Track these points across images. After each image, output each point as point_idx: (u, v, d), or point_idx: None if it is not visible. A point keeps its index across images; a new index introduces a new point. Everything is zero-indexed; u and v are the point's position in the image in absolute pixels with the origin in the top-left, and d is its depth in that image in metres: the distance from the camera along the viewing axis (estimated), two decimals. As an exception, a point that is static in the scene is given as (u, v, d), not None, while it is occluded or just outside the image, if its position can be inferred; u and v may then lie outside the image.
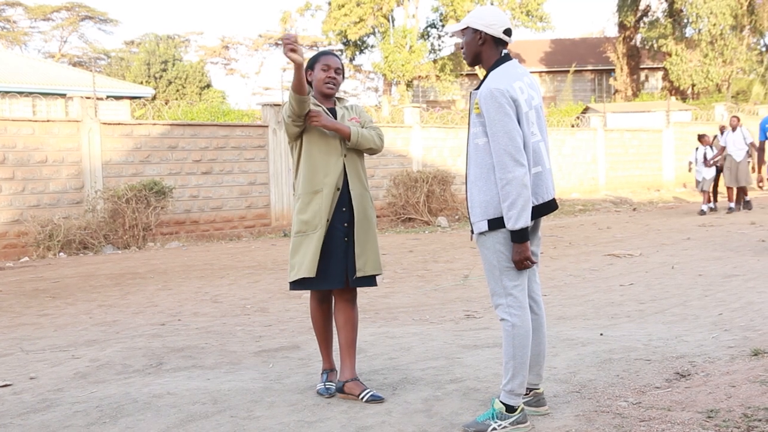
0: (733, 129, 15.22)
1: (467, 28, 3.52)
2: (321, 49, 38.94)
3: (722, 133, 15.57)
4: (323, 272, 3.92)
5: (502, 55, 3.51)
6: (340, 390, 4.00)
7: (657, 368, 4.34)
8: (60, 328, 6.41)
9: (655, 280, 7.76)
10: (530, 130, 3.41)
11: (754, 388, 3.73)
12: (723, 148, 15.25)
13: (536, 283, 3.65)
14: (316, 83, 4.07)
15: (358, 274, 3.96)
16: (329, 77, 4.04)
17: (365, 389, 3.94)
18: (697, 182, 15.72)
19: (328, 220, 3.94)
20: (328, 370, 4.20)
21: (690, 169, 16.55)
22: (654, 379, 4.12)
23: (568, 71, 41.08)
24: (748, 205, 15.59)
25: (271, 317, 6.62)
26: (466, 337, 5.39)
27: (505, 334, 3.44)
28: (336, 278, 3.95)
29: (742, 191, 15.56)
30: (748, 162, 15.04)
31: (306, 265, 3.90)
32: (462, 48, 3.60)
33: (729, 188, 15.43)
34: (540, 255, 3.69)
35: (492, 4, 34.01)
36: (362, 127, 4.09)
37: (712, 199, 15.64)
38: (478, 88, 3.44)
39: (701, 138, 15.64)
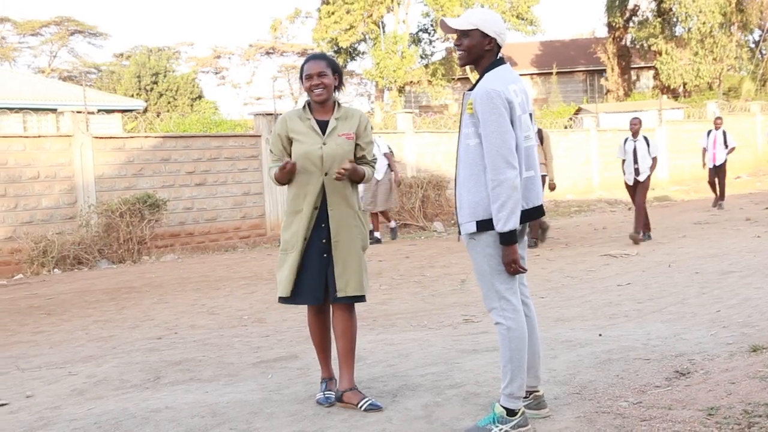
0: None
1: (476, 30, 3.43)
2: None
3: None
4: (298, 288, 3.93)
5: (498, 58, 3.50)
6: (339, 399, 3.98)
7: (656, 367, 4.33)
8: (56, 345, 6.37)
9: (652, 279, 7.76)
10: (523, 134, 3.40)
11: (753, 384, 3.72)
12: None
13: (524, 285, 3.65)
14: (307, 94, 4.00)
15: (339, 295, 3.92)
16: (313, 85, 3.93)
17: (363, 398, 3.91)
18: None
19: (305, 239, 3.92)
20: (327, 379, 4.17)
21: None
22: (654, 378, 4.11)
23: (558, 73, 41.20)
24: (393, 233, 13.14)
25: (268, 328, 6.59)
26: (464, 342, 5.37)
27: (501, 337, 3.43)
28: (310, 294, 3.94)
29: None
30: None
31: (283, 284, 3.96)
32: (459, 46, 3.49)
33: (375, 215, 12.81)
34: (527, 258, 3.67)
35: (483, 7, 34.12)
36: (357, 141, 4.02)
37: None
38: (472, 89, 3.42)
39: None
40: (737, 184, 22.09)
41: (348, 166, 3.85)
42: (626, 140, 11.01)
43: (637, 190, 10.86)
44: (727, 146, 15.14)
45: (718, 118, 15.64)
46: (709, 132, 15.41)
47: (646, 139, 10.92)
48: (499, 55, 3.51)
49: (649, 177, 10.85)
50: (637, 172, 10.78)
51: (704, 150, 15.40)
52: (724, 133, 15.23)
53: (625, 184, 11.11)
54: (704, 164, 15.53)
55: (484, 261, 3.41)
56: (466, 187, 3.42)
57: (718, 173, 15.31)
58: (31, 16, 44.71)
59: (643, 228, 10.92)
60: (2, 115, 15.30)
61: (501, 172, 3.27)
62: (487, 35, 3.43)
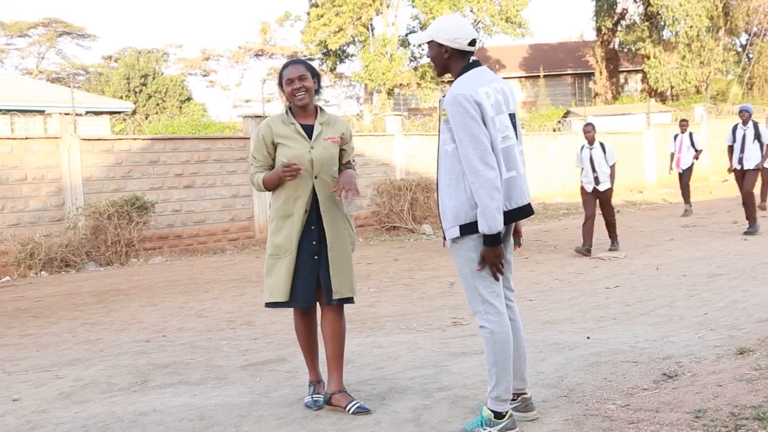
0: None
1: (432, 41, 3.50)
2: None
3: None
4: (291, 291, 3.91)
5: (471, 61, 3.51)
6: (328, 402, 3.97)
7: (644, 370, 4.34)
8: (43, 347, 6.33)
9: (640, 282, 7.79)
10: (499, 134, 3.40)
11: (740, 387, 3.74)
12: None
13: (510, 290, 3.65)
14: (288, 100, 4.01)
15: (335, 296, 3.94)
16: (294, 89, 3.94)
17: (352, 401, 3.91)
18: None
19: (298, 243, 3.91)
20: (315, 382, 4.17)
21: None
22: (641, 381, 4.13)
23: (547, 76, 41.33)
24: None
25: (257, 330, 6.58)
26: (453, 345, 5.38)
27: (485, 341, 3.44)
28: (303, 297, 3.94)
29: None
30: None
31: (279, 289, 3.92)
32: (429, 57, 3.60)
33: None
34: (512, 261, 3.68)
35: (471, 11, 34.19)
36: (342, 146, 4.05)
37: None
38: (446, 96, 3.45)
39: None
40: (725, 187, 22.21)
41: (350, 188, 3.88)
42: (582, 148, 10.62)
43: (601, 203, 10.50)
44: (695, 148, 14.92)
45: (684, 120, 15.25)
46: (676, 136, 15.18)
47: (602, 145, 10.54)
48: (473, 58, 3.52)
49: (611, 189, 10.48)
50: (596, 181, 10.43)
51: (672, 155, 15.17)
52: (691, 136, 15.00)
53: (582, 190, 10.66)
54: (671, 169, 15.23)
55: (466, 265, 3.42)
56: (447, 192, 3.43)
57: (682, 177, 15.02)
58: (18, 18, 44.38)
59: (590, 241, 10.35)
60: (-11, 116, 15.23)
61: (480, 174, 3.28)
62: (441, 45, 3.47)
